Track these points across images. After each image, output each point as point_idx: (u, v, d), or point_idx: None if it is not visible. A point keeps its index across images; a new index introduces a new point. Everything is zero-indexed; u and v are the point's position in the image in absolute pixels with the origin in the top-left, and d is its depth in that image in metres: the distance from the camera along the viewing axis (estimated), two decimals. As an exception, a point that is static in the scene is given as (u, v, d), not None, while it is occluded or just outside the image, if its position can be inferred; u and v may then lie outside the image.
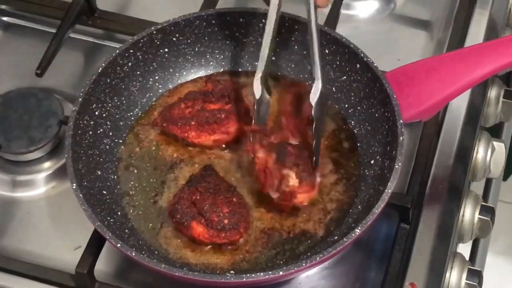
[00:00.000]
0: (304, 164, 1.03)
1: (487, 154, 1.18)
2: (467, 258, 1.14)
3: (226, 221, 1.01)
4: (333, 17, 1.21)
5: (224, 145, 1.10)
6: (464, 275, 1.08)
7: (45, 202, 1.12)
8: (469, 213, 1.12)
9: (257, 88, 1.05)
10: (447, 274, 1.06)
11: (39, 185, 1.13)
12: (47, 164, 1.14)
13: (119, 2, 1.30)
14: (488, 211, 1.13)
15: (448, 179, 1.11)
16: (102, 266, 1.04)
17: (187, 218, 1.01)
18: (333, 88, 1.12)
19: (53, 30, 1.21)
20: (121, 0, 1.31)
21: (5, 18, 1.29)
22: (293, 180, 1.02)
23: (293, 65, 1.15)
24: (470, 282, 1.08)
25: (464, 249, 1.19)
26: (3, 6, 1.29)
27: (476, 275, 1.08)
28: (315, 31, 1.03)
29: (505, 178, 1.82)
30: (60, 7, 1.25)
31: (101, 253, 1.03)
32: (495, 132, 1.33)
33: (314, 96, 1.03)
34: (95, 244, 1.02)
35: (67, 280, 1.03)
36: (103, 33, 1.27)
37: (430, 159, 1.12)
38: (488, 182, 1.37)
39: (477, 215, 1.13)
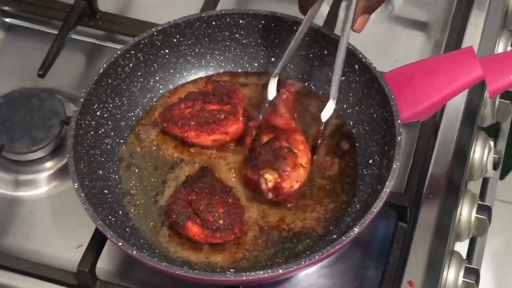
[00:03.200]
0: (278, 155, 1.04)
1: (484, 154, 1.18)
2: (464, 256, 1.14)
3: (221, 222, 1.01)
4: (332, 18, 1.22)
5: (224, 145, 1.11)
6: (461, 273, 1.08)
7: (47, 201, 1.12)
8: (466, 212, 1.13)
9: (272, 89, 1.09)
10: (445, 272, 1.07)
11: (41, 184, 1.14)
12: (49, 164, 1.14)
13: (120, 3, 1.31)
14: (485, 210, 1.14)
15: (445, 178, 1.12)
16: (104, 264, 1.05)
17: (183, 218, 1.02)
18: None
19: (55, 32, 1.22)
20: (122, 1, 1.31)
21: (7, 20, 1.30)
22: (270, 176, 1.03)
23: (292, 66, 1.16)
24: (467, 280, 1.08)
25: (461, 247, 1.19)
26: (6, 8, 1.29)
27: (473, 273, 1.09)
28: (343, 53, 1.05)
29: (501, 177, 1.83)
30: (62, 8, 1.25)
31: (103, 251, 1.03)
32: (492, 132, 1.33)
33: (326, 114, 1.05)
34: (97, 242, 1.03)
35: (69, 278, 1.04)
36: (104, 34, 1.27)
37: (427, 158, 1.12)
38: (485, 181, 1.38)
39: (474, 214, 1.13)
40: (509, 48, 1.29)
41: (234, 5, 1.29)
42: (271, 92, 1.09)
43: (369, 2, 1.04)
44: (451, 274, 1.08)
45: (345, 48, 1.05)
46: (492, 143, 1.19)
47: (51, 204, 1.12)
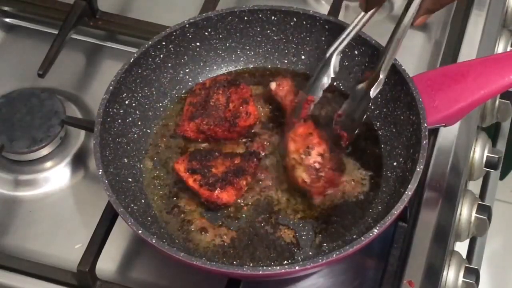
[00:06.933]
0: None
1: (484, 154, 1.19)
2: (464, 256, 1.14)
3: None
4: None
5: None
6: (461, 273, 1.08)
7: (47, 201, 1.12)
8: (466, 212, 1.13)
9: (335, 64, 1.09)
10: (445, 273, 1.07)
11: (41, 184, 1.14)
12: (49, 164, 1.14)
13: (120, 3, 1.31)
14: (485, 210, 1.14)
15: (445, 178, 1.11)
16: (104, 264, 1.05)
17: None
18: None
19: (55, 31, 1.22)
20: (122, 1, 1.31)
21: (7, 20, 1.30)
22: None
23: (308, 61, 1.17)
24: (467, 280, 1.08)
25: (461, 247, 1.19)
26: (6, 8, 1.29)
27: (473, 273, 1.09)
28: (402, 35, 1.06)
29: (501, 177, 1.83)
30: (62, 8, 1.25)
31: (103, 251, 1.03)
32: (492, 132, 1.33)
33: (375, 90, 1.06)
34: (97, 242, 1.03)
35: (68, 278, 1.04)
36: (104, 34, 1.27)
37: (428, 158, 1.12)
38: (485, 181, 1.38)
39: (474, 214, 1.13)
40: (509, 48, 1.29)
41: (234, 5, 1.28)
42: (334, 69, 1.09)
43: (434, 6, 1.04)
44: (451, 274, 1.08)
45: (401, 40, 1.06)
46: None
47: (51, 204, 1.12)
